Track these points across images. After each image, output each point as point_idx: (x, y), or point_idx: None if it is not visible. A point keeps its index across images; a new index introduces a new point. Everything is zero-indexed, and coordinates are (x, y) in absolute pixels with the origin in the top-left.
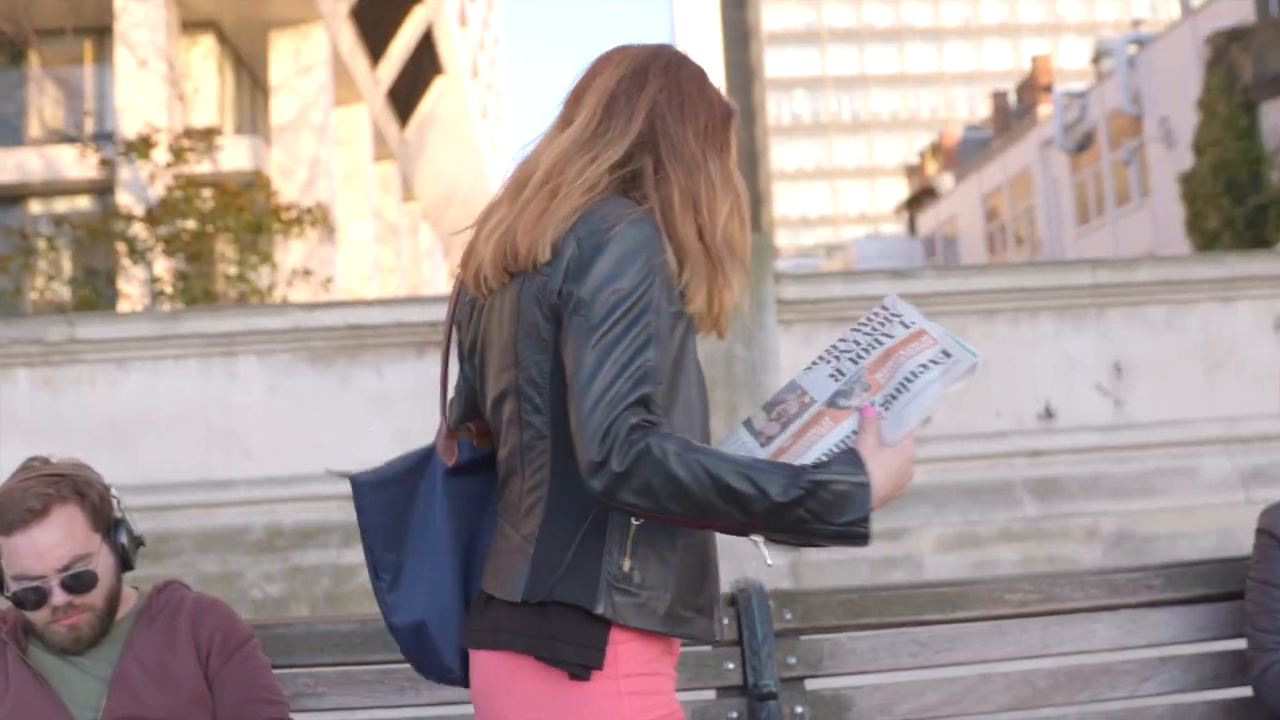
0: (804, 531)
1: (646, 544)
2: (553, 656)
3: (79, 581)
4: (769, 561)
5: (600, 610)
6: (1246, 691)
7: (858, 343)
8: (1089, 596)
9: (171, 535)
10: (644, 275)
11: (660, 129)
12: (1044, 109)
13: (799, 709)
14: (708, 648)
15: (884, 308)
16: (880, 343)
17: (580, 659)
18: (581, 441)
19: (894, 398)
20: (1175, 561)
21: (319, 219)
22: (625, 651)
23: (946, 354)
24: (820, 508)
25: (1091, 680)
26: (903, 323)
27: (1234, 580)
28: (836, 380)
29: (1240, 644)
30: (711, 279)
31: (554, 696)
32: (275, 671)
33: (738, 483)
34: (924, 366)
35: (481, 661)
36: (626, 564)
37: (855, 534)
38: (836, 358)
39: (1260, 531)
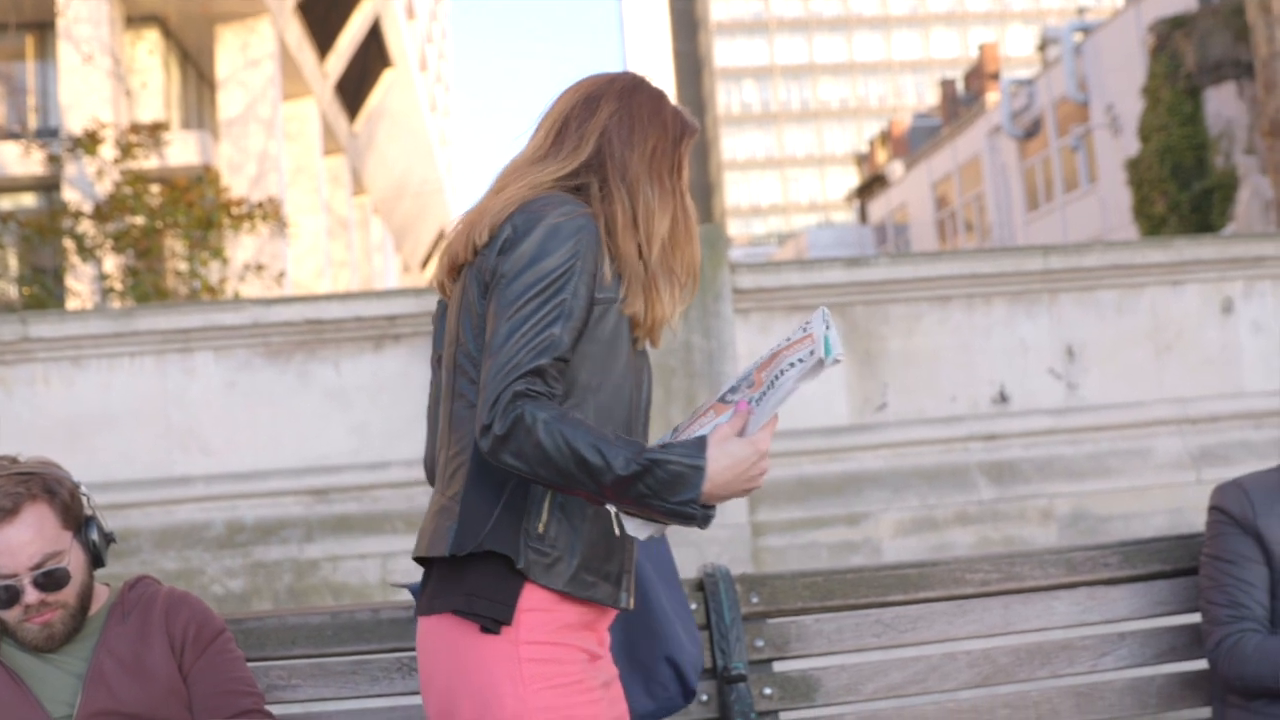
0: (645, 506)
1: (561, 509)
2: (466, 609)
3: (51, 579)
4: (617, 532)
5: (520, 564)
6: (1202, 664)
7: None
8: (1048, 575)
9: (131, 533)
10: (567, 258)
11: (607, 151)
12: (992, 96)
13: (767, 690)
14: None
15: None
16: (778, 346)
17: (491, 613)
18: (480, 404)
19: (764, 395)
20: (1132, 540)
21: (270, 214)
22: (530, 620)
23: (812, 353)
24: (657, 485)
25: (1052, 656)
26: (803, 328)
27: (1188, 557)
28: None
29: (1195, 618)
30: (647, 292)
31: (461, 656)
32: (249, 665)
33: (590, 454)
34: (791, 364)
35: (418, 629)
36: (541, 525)
37: (686, 514)
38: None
39: (1213, 509)
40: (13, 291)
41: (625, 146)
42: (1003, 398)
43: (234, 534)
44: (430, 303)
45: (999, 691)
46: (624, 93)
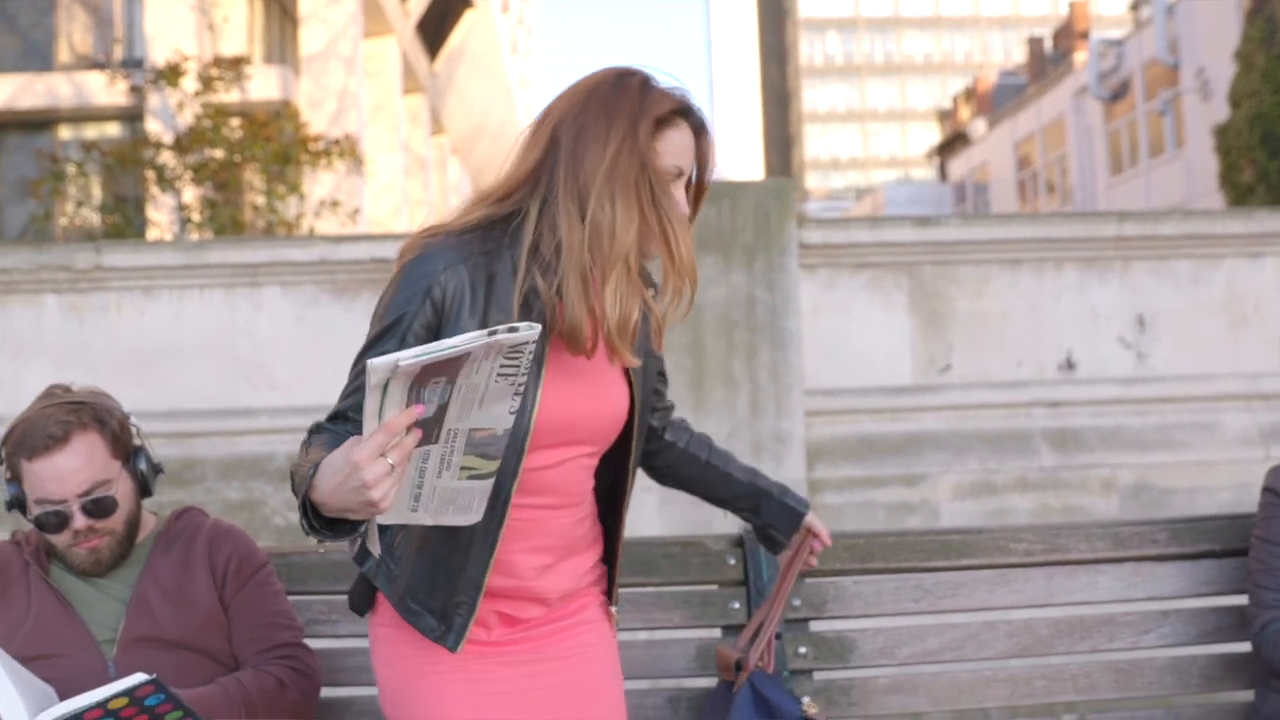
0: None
1: (406, 531)
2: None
3: (99, 506)
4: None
5: (365, 570)
6: (1246, 647)
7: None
8: (1094, 549)
9: (196, 462)
10: (392, 306)
11: (553, 171)
12: (1080, 56)
13: (802, 649)
14: (714, 586)
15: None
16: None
17: (356, 601)
18: None
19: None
20: (1181, 516)
21: (347, 150)
22: (382, 602)
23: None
24: (294, 490)
25: (1093, 630)
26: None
27: (1239, 537)
28: None
29: (1242, 600)
30: (592, 308)
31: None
32: (291, 598)
33: (294, 465)
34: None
35: None
36: (396, 539)
37: (306, 523)
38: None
39: (1266, 490)
40: (95, 219)
41: (573, 160)
42: (1069, 364)
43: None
44: None
45: (1037, 663)
46: (578, 97)
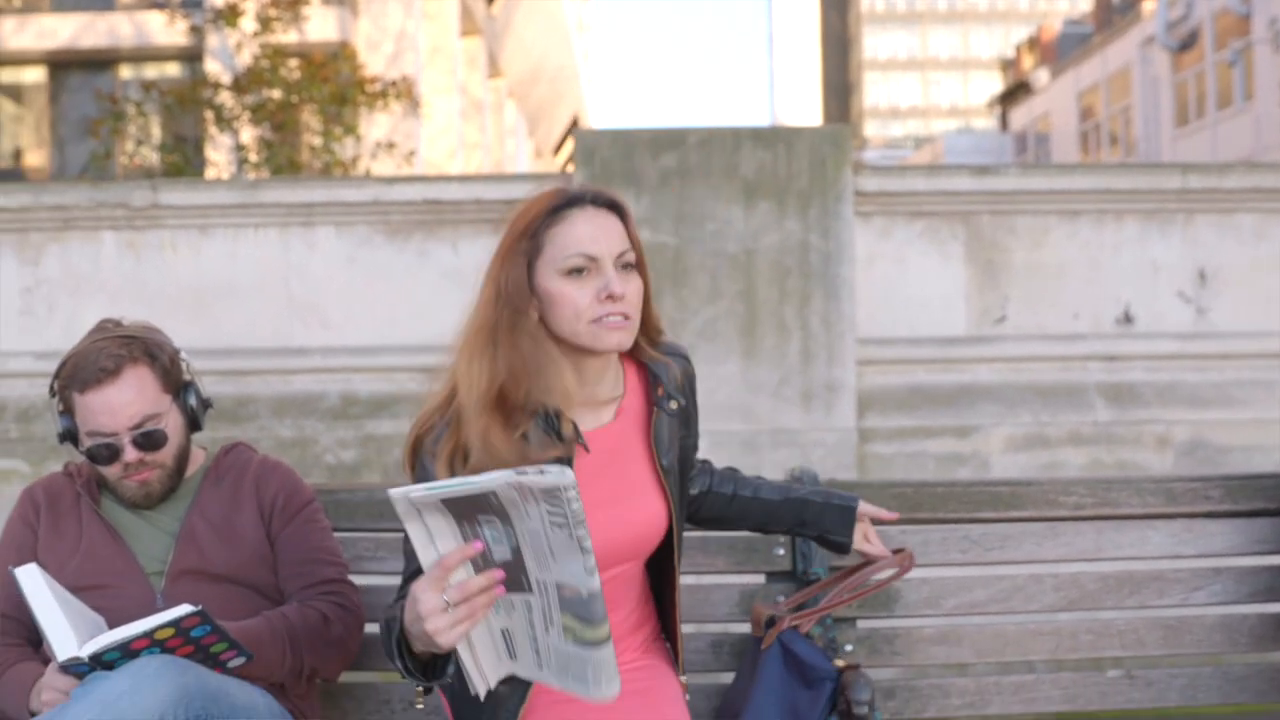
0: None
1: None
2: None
3: (149, 439)
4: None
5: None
6: None
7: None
8: (1145, 504)
9: (249, 399)
10: None
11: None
12: (1148, 5)
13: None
14: (758, 533)
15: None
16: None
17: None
18: None
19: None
20: (1236, 473)
21: (403, 92)
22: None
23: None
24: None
25: (1142, 586)
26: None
27: None
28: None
29: None
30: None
31: None
32: (337, 535)
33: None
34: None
35: None
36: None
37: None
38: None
39: None
40: (154, 159)
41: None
42: (1127, 318)
43: (348, 406)
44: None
45: (1084, 617)
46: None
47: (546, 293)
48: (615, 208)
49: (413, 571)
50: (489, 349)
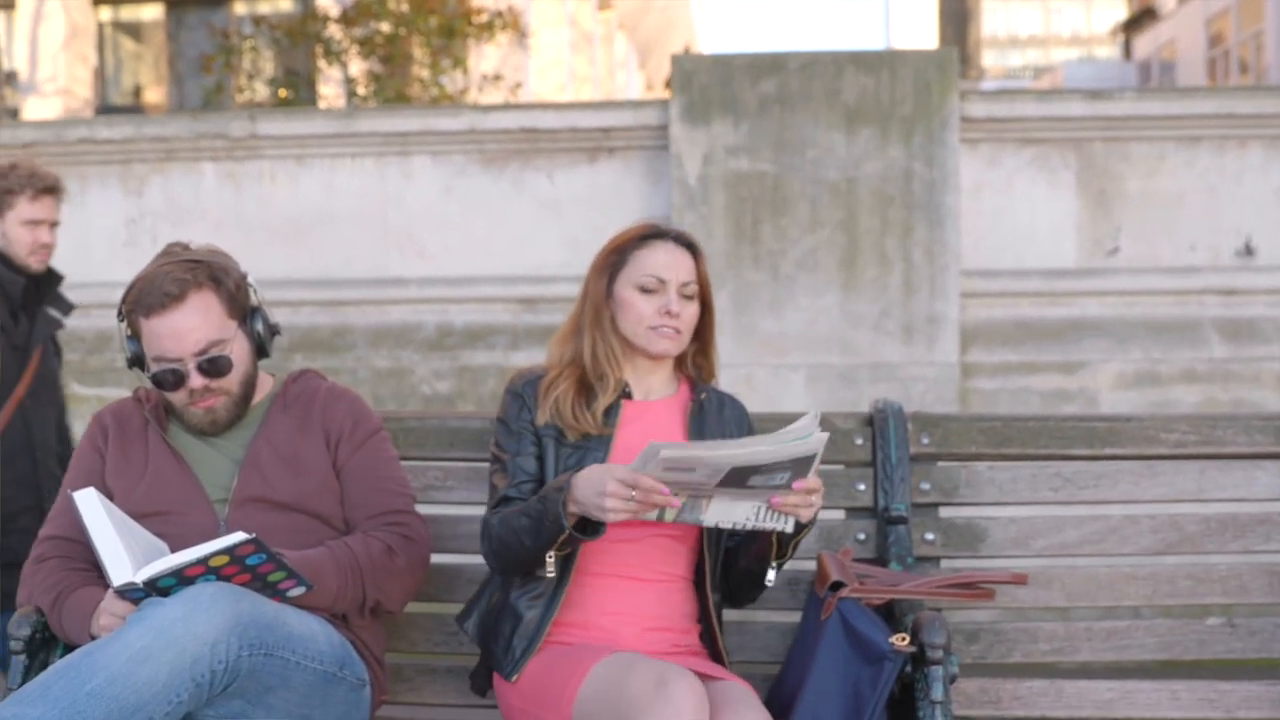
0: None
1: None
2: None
3: (214, 366)
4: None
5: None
6: None
7: None
8: (1253, 442)
9: (347, 329)
10: None
11: None
12: None
13: (929, 535)
14: (840, 466)
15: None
16: None
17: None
18: None
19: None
20: None
21: (510, 23)
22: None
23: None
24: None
25: (1247, 530)
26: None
27: None
28: None
29: None
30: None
31: None
32: (406, 464)
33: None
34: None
35: None
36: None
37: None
38: None
39: None
40: (265, 93)
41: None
42: (1248, 250)
43: (443, 337)
44: (647, 117)
45: (1182, 561)
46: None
47: (621, 299)
48: (691, 248)
49: (518, 483)
50: (574, 336)
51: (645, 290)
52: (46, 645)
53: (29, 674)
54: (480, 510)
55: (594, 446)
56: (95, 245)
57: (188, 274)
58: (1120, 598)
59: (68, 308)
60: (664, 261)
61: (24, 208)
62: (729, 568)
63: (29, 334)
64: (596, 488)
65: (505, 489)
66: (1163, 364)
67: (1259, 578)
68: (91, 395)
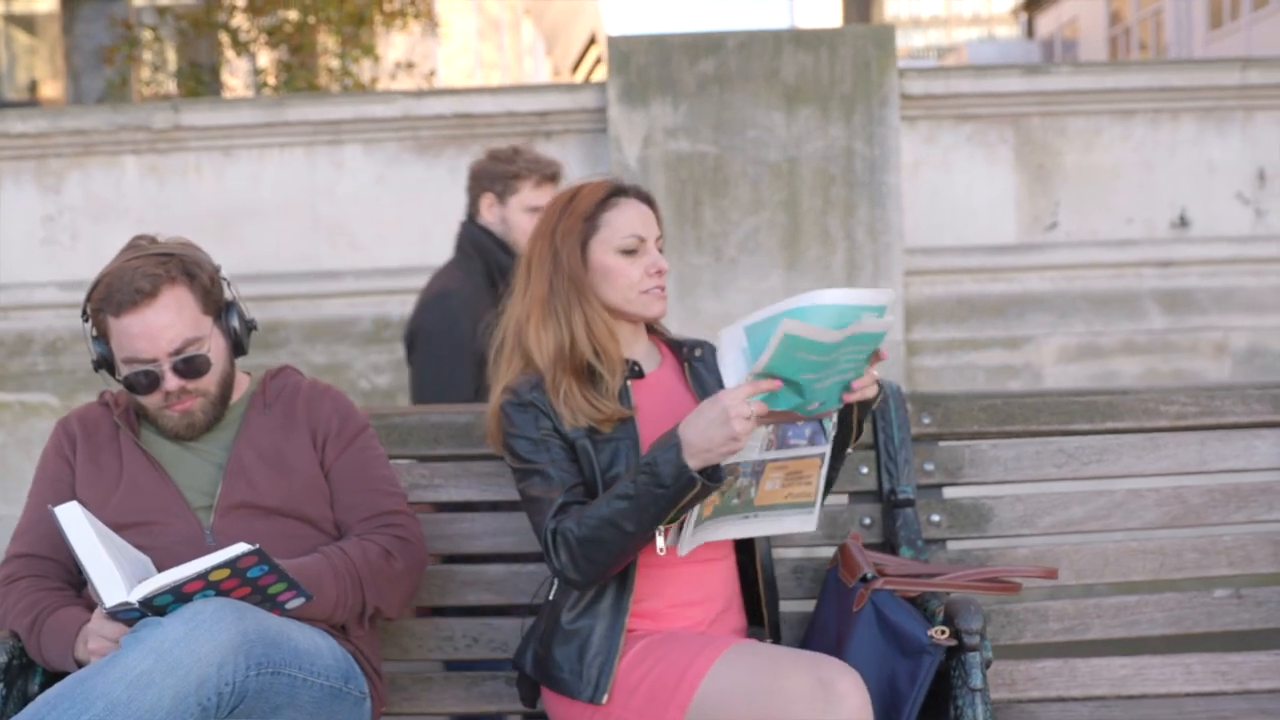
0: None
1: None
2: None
3: (191, 366)
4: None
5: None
6: None
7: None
8: (1251, 411)
9: (280, 325)
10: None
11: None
12: None
13: (935, 517)
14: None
15: None
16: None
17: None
18: None
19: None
20: None
21: (421, 12)
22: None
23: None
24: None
25: (1250, 499)
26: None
27: None
28: None
29: None
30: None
31: None
32: (390, 462)
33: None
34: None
35: None
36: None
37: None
38: None
39: None
40: (171, 86)
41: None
42: (1183, 222)
43: (381, 330)
44: (584, 99)
45: (1188, 534)
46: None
47: (603, 267)
48: (649, 201)
49: (570, 487)
50: (550, 318)
51: (627, 252)
52: (25, 672)
53: (8, 704)
54: (479, 510)
55: (622, 435)
56: (10, 244)
57: (159, 269)
58: (1127, 573)
59: None
60: (637, 218)
61: None
62: None
63: None
64: (717, 419)
65: (562, 496)
66: (1104, 336)
67: (1264, 548)
68: (13, 401)
